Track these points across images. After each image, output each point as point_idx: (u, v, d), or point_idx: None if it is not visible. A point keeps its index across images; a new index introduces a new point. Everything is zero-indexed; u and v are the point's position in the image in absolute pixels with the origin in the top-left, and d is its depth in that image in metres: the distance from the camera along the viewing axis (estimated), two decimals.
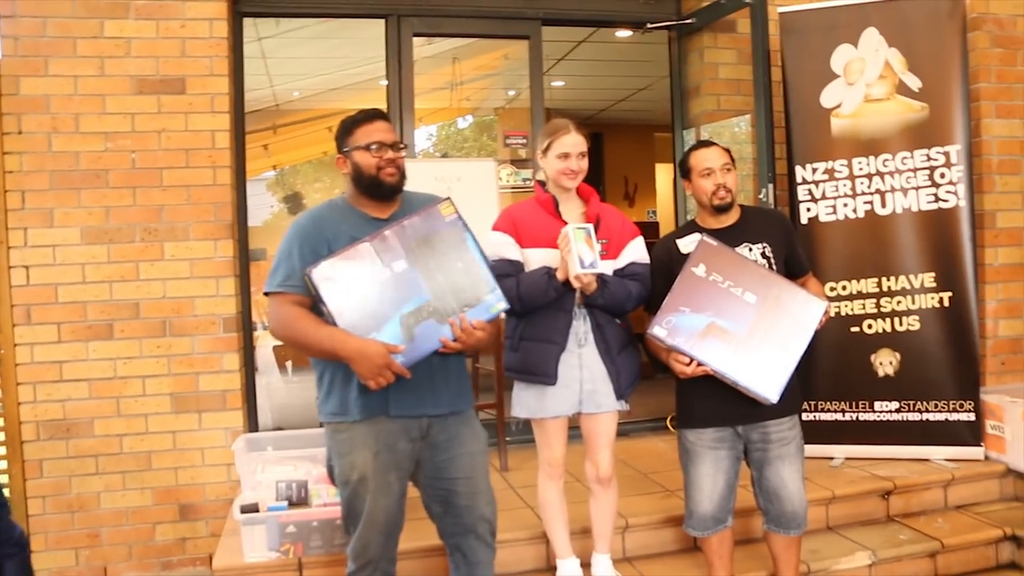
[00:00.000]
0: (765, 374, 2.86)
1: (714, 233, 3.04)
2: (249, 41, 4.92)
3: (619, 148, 10.89)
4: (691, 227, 3.18)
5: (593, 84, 9.01)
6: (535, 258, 2.99)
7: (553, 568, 3.33)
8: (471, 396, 2.83)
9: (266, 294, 2.62)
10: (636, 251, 3.10)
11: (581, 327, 3.02)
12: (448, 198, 2.57)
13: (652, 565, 3.53)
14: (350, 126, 2.64)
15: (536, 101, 5.14)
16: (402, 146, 2.65)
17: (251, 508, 3.25)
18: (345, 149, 2.63)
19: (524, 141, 5.82)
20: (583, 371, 3.03)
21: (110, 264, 4.01)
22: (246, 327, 4.35)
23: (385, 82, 5.04)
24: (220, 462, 4.09)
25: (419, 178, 4.36)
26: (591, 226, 2.88)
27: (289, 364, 6.99)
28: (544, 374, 3.00)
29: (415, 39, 4.98)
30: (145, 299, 4.04)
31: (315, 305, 2.52)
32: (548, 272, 2.92)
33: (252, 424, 4.35)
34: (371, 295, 2.46)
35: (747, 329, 2.86)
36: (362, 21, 5.35)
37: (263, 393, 4.94)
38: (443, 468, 2.70)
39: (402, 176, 2.64)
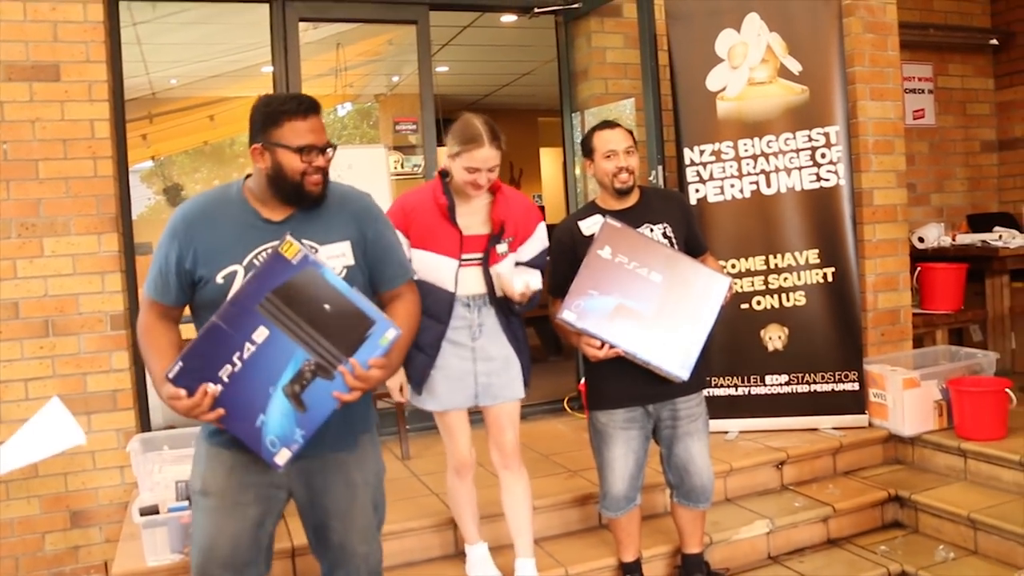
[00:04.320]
0: (675, 353, 2.91)
1: (615, 214, 3.07)
2: (124, 26, 4.71)
3: (504, 133, 10.81)
4: (592, 208, 3.20)
5: (477, 69, 9.00)
6: (423, 261, 2.88)
7: (462, 554, 3.34)
8: (366, 421, 2.46)
9: None
10: (539, 241, 3.06)
11: (475, 320, 2.96)
12: (287, 236, 2.13)
13: (559, 545, 3.57)
14: (278, 116, 2.22)
15: (425, 87, 5.09)
16: (331, 147, 2.28)
17: (151, 510, 3.14)
18: (268, 142, 2.22)
19: (414, 127, 5.77)
20: (477, 364, 2.98)
21: None
22: (134, 324, 4.18)
23: (268, 68, 4.92)
24: (112, 464, 3.92)
25: None
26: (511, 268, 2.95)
27: None
28: (413, 381, 2.99)
29: (300, 24, 4.87)
30: (25, 298, 3.83)
31: (196, 311, 2.29)
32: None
33: (144, 424, 4.20)
34: (240, 377, 2.10)
35: (655, 309, 2.90)
36: (244, 5, 5.19)
37: (153, 391, 4.76)
38: (317, 495, 2.37)
39: (326, 183, 2.29)
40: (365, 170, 4.43)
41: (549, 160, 10.91)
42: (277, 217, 2.28)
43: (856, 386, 4.39)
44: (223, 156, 9.82)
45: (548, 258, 3.11)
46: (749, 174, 4.43)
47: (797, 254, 4.42)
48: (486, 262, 2.94)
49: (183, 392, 2.08)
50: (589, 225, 3.09)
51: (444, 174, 2.95)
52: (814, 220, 4.42)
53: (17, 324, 3.83)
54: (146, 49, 6.63)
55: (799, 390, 4.40)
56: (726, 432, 4.39)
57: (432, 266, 2.88)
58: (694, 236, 3.24)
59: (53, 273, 3.87)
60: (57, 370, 3.87)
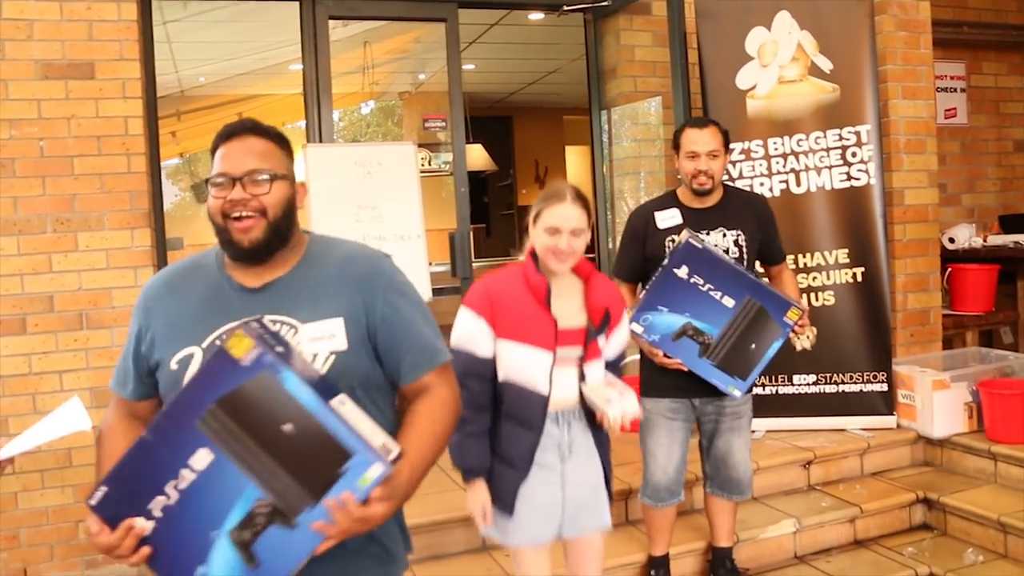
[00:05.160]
0: (733, 374, 2.98)
1: (692, 213, 3.10)
2: (155, 24, 4.77)
3: (529, 131, 10.92)
4: (671, 200, 3.19)
5: (504, 67, 9.00)
6: (513, 356, 2.43)
7: (488, 548, 3.36)
8: (396, 538, 1.82)
9: None
10: (624, 332, 2.66)
11: (564, 438, 2.49)
12: (239, 328, 1.54)
13: None
14: (214, 145, 1.74)
15: (454, 84, 5.10)
16: (266, 178, 1.67)
17: None
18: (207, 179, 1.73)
19: (443, 124, 5.80)
20: (566, 491, 2.50)
21: (20, 256, 3.84)
22: None
23: (297, 66, 4.95)
24: None
25: (338, 164, 4.35)
26: (602, 376, 2.51)
27: None
28: (501, 501, 2.49)
29: (330, 22, 4.90)
30: (60, 292, 3.89)
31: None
32: (470, 471, 2.48)
33: None
34: (176, 514, 1.53)
35: (722, 331, 2.96)
36: (274, 3, 5.22)
37: None
38: None
39: (274, 233, 1.68)
40: (394, 167, 4.44)
41: (574, 158, 10.91)
42: (253, 283, 1.72)
43: (885, 387, 4.36)
44: None
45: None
46: (779, 173, 4.42)
47: (827, 253, 4.40)
48: (582, 360, 2.49)
49: (106, 526, 1.54)
50: (664, 218, 3.10)
51: (535, 254, 2.50)
52: (844, 219, 4.39)
53: (52, 317, 3.89)
54: (175, 47, 6.70)
55: (827, 390, 4.38)
56: (753, 431, 4.36)
57: (523, 361, 2.42)
58: (770, 245, 3.23)
59: (87, 267, 3.92)
60: (91, 363, 3.92)
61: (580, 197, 2.44)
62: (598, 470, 2.56)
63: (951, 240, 5.56)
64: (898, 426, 4.36)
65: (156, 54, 4.47)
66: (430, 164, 7.66)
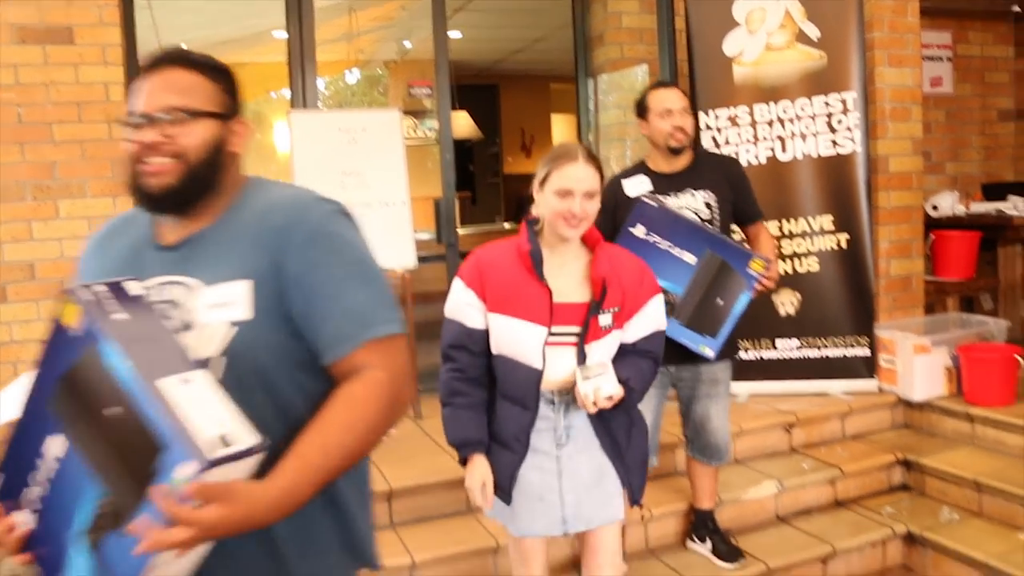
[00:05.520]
0: (703, 332, 2.95)
1: (662, 177, 3.08)
2: None
3: (516, 99, 10.89)
4: (640, 168, 3.18)
5: (491, 35, 8.94)
6: (503, 330, 2.27)
7: (473, 510, 3.38)
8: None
9: None
10: (652, 319, 2.38)
11: (560, 421, 2.31)
12: (75, 290, 1.28)
13: None
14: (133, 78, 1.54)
15: (440, 51, 5.06)
16: (185, 116, 1.41)
17: None
18: None
19: (429, 91, 5.76)
20: (563, 480, 2.31)
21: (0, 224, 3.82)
22: None
23: (281, 34, 4.90)
24: None
25: (323, 130, 4.32)
26: (601, 363, 2.26)
27: None
28: (498, 486, 2.31)
29: None
30: (41, 260, 3.86)
31: None
32: (465, 444, 2.30)
33: None
34: (47, 508, 1.30)
35: (686, 289, 2.93)
36: None
37: None
38: None
39: (191, 180, 1.42)
40: (379, 134, 4.41)
41: (561, 126, 10.88)
42: (171, 237, 1.48)
43: (867, 351, 4.40)
44: None
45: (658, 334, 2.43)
46: (765, 139, 4.42)
47: (811, 220, 4.42)
48: (582, 339, 2.27)
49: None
50: (633, 185, 3.08)
51: (532, 222, 2.35)
52: (829, 186, 4.41)
53: (33, 285, 3.86)
54: (157, 13, 6.61)
55: (810, 355, 4.42)
56: (736, 395, 4.40)
57: (514, 336, 2.25)
58: (743, 204, 3.20)
59: (68, 235, 3.90)
60: None
61: (592, 156, 2.27)
62: (598, 455, 2.33)
63: (934, 208, 5.58)
64: (879, 390, 4.40)
65: (137, 20, 4.42)
66: (416, 132, 7.62)
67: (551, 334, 2.24)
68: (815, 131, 4.38)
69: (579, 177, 2.21)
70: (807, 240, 4.41)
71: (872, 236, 4.49)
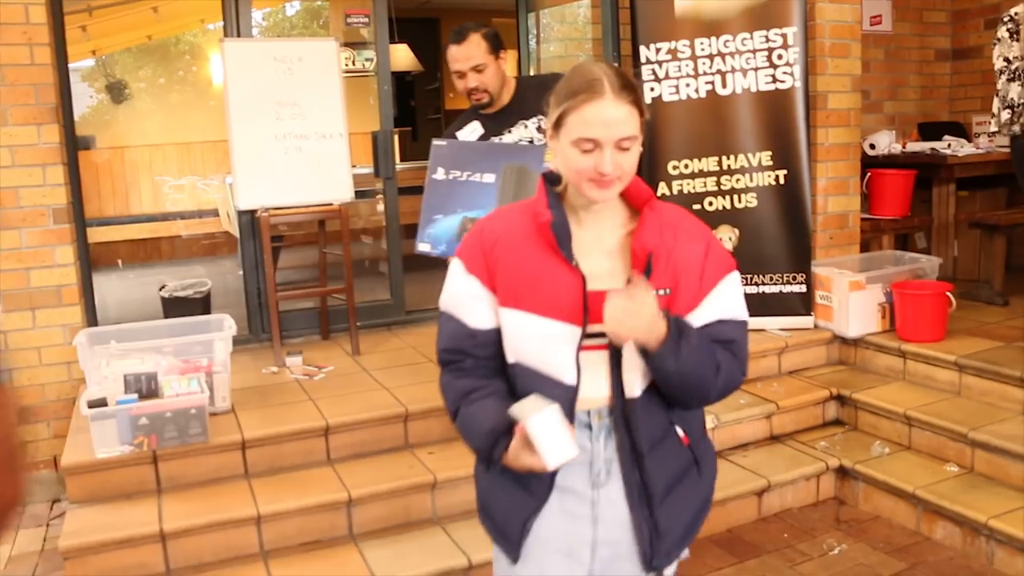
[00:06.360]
0: None
1: (490, 119, 3.10)
2: None
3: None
4: (471, 114, 3.19)
5: None
6: (518, 329, 1.64)
7: (411, 445, 3.39)
8: None
9: None
10: (727, 300, 1.70)
11: (600, 453, 1.66)
12: None
13: None
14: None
15: None
16: None
17: (99, 403, 3.11)
18: None
19: (366, 20, 5.61)
20: (598, 529, 1.67)
21: None
22: (79, 219, 4.08)
23: None
24: (59, 360, 3.88)
25: (257, 60, 4.19)
26: (556, 409, 1.52)
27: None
28: (504, 538, 1.73)
29: None
30: None
31: None
32: (496, 435, 1.59)
33: (91, 320, 4.14)
34: None
35: (497, 204, 2.92)
36: None
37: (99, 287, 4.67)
38: None
39: None
40: (316, 64, 4.29)
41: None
42: None
43: (804, 288, 4.46)
44: (168, 54, 9.50)
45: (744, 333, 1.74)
46: (705, 74, 4.40)
47: (750, 156, 4.43)
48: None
49: None
50: (466, 134, 3.11)
51: (552, 178, 1.71)
52: (768, 122, 4.41)
53: None
54: None
55: (747, 291, 4.46)
56: None
57: (536, 339, 1.63)
58: None
59: None
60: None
61: (626, 86, 1.56)
62: (637, 511, 1.67)
63: (872, 146, 5.64)
64: (815, 326, 4.48)
65: None
66: (354, 64, 7.44)
67: (586, 336, 1.60)
68: (755, 66, 4.37)
69: (608, 120, 1.53)
70: (746, 176, 4.43)
71: (810, 173, 4.51)
